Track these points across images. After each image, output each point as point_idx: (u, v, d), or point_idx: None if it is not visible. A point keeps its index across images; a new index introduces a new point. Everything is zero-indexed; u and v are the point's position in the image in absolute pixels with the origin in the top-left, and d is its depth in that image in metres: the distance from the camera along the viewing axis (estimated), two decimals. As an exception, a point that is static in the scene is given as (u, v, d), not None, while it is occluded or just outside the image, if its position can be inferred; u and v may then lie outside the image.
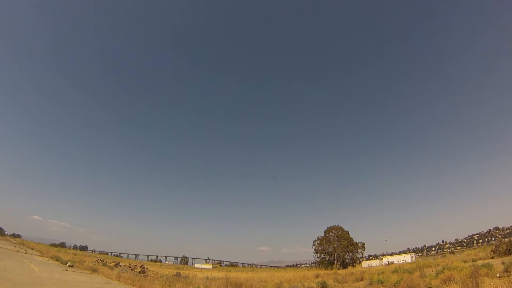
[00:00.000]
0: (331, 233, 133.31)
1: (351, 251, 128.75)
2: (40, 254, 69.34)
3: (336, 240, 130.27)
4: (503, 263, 32.88)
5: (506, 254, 50.47)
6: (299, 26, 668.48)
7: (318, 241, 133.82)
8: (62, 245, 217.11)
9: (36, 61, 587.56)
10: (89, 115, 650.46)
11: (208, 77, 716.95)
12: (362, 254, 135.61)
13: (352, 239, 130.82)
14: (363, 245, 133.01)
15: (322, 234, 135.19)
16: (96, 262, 61.99)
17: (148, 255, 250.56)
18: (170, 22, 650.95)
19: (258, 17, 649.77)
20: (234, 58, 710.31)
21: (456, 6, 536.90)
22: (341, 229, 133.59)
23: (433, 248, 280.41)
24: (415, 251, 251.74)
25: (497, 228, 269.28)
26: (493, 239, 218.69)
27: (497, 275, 27.70)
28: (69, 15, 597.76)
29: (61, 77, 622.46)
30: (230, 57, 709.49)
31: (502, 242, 59.26)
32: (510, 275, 26.05)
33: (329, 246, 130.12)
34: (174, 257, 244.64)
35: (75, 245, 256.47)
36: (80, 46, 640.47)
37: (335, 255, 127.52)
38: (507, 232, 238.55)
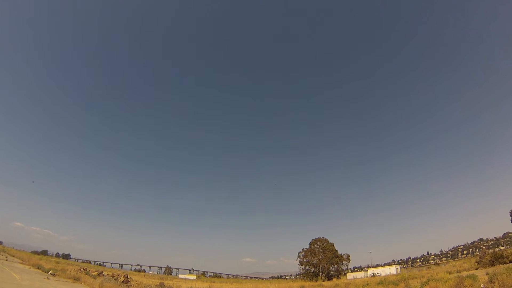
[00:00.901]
0: (316, 245, 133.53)
1: (336, 263, 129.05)
2: (22, 261, 68.15)
3: (321, 252, 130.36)
4: (487, 274, 33.07)
5: (490, 265, 50.94)
6: (299, 32, 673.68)
7: (303, 253, 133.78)
8: (44, 252, 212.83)
9: (20, 63, 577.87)
10: (74, 121, 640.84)
11: (202, 85, 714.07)
12: (347, 266, 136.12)
13: (337, 251, 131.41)
14: (348, 257, 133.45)
15: (307, 246, 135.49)
16: (79, 271, 60.82)
17: (131, 265, 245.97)
18: (162, 27, 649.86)
19: (257, 19, 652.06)
20: (230, 68, 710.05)
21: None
22: (326, 241, 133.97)
23: (418, 260, 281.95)
24: (400, 263, 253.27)
25: (481, 240, 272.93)
26: (477, 250, 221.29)
27: (482, 285, 27.81)
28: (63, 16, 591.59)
29: (49, 82, 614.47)
30: (227, 67, 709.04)
31: (486, 253, 59.94)
32: (495, 285, 26.17)
33: (314, 258, 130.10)
34: (158, 267, 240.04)
35: (58, 253, 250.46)
36: (67, 50, 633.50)
37: (320, 266, 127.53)
38: (491, 243, 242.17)
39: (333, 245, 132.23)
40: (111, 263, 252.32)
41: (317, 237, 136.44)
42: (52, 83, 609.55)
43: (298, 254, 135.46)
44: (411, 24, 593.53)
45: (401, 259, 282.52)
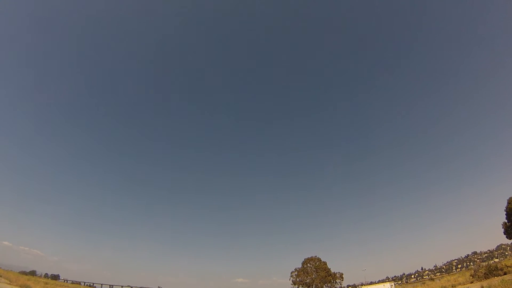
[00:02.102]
0: (308, 264, 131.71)
1: (330, 282, 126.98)
2: (9, 282, 66.43)
3: (314, 271, 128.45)
4: (482, 287, 31.41)
5: (485, 277, 49.52)
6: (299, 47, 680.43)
7: (296, 273, 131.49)
8: (33, 273, 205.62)
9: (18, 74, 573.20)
10: (64, 136, 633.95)
11: (191, 101, 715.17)
12: (340, 284, 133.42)
13: (330, 269, 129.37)
14: (341, 275, 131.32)
15: (300, 266, 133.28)
16: (69, 292, 58.48)
17: (122, 286, 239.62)
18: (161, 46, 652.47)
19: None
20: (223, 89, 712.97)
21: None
22: (319, 260, 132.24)
23: (413, 276, 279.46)
24: (394, 279, 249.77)
25: (475, 253, 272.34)
26: (472, 263, 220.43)
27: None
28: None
29: (41, 98, 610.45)
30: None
31: (481, 266, 58.73)
32: (491, 299, 24.37)
33: (307, 277, 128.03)
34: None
35: (47, 273, 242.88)
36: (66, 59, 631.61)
37: (313, 286, 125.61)
38: (485, 256, 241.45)
39: (325, 264, 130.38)
40: (102, 284, 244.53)
41: (309, 256, 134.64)
42: (44, 98, 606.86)
43: (291, 273, 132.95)
44: (411, 24, 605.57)
45: (395, 276, 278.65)
